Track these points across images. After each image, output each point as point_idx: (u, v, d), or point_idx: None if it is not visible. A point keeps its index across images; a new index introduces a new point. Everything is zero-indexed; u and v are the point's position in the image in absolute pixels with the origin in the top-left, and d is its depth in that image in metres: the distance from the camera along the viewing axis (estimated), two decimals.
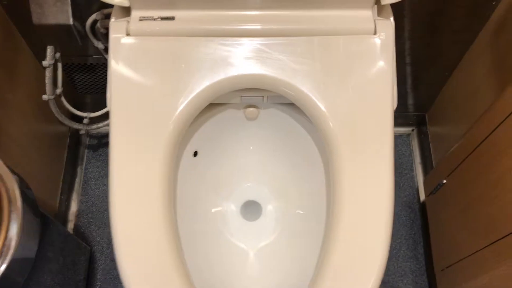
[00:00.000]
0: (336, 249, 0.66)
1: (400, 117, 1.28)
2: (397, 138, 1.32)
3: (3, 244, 0.57)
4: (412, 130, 1.32)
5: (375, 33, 0.73)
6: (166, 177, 0.69)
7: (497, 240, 0.79)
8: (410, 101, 1.23)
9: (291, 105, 0.82)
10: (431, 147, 1.24)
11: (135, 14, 0.74)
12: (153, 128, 0.70)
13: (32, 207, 0.67)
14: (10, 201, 0.59)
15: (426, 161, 1.25)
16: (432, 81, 1.15)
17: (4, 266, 0.58)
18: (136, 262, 0.65)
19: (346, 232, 0.66)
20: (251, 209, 0.92)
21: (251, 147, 0.92)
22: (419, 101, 1.23)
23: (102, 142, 1.29)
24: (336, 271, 0.65)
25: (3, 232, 0.57)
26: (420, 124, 1.30)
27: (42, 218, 0.85)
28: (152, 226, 0.66)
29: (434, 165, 1.21)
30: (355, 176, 0.68)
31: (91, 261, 1.16)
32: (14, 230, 0.58)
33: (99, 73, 1.09)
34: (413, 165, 1.29)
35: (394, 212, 0.69)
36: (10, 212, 0.59)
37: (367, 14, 0.74)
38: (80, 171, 1.26)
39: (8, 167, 0.63)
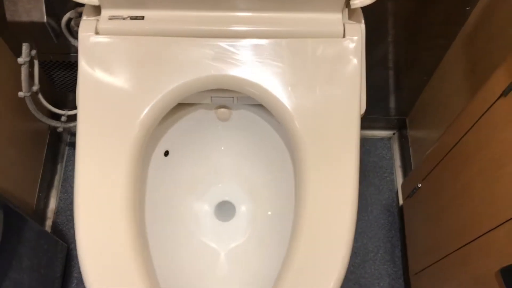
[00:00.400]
0: (298, 250, 0.66)
1: (381, 120, 1.28)
2: (378, 141, 1.32)
3: None
4: (393, 133, 1.33)
5: (344, 36, 0.74)
6: (132, 177, 0.69)
7: (464, 245, 0.79)
8: (391, 104, 1.23)
9: (262, 106, 0.82)
10: (411, 150, 1.24)
11: (105, 13, 0.74)
12: (120, 129, 0.70)
13: None
14: None
15: (406, 164, 1.26)
16: (412, 86, 1.15)
17: None
18: (98, 265, 0.65)
19: (308, 233, 0.67)
20: (224, 209, 0.92)
21: (223, 148, 0.92)
22: (400, 105, 1.23)
23: None
24: (297, 273, 0.65)
25: None
26: (401, 127, 1.30)
27: (12, 215, 0.85)
28: (116, 227, 0.66)
29: (412, 169, 1.22)
30: (320, 177, 0.69)
31: (68, 258, 1.16)
32: None
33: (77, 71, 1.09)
34: (393, 169, 1.29)
35: (358, 212, 0.69)
36: None
37: (336, 17, 0.74)
38: (60, 169, 1.26)
39: None
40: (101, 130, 0.70)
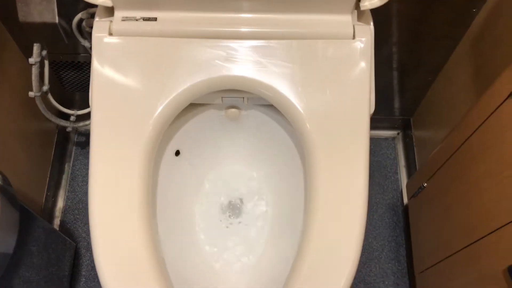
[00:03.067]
0: (309, 249, 0.67)
1: (386, 120, 1.30)
2: (383, 141, 1.33)
3: None
4: (398, 133, 1.34)
5: (353, 37, 0.75)
6: (145, 176, 0.70)
7: (470, 244, 0.80)
8: (396, 105, 1.25)
9: (271, 106, 0.83)
10: (415, 150, 1.25)
11: (118, 14, 0.75)
12: (133, 128, 0.71)
13: (10, 202, 0.68)
14: None
15: (410, 164, 1.27)
16: (417, 86, 1.16)
17: None
18: (114, 263, 0.66)
19: (319, 233, 0.67)
20: (234, 208, 0.93)
21: (233, 147, 0.93)
22: (404, 105, 1.25)
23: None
24: (309, 271, 0.66)
25: None
26: (405, 128, 1.31)
27: (25, 214, 0.86)
28: (130, 226, 0.67)
29: (417, 169, 1.23)
30: (330, 177, 0.70)
31: (76, 257, 1.17)
32: None
33: (87, 71, 1.10)
34: (398, 168, 1.30)
35: (369, 212, 0.70)
36: None
37: (346, 19, 0.75)
38: (67, 168, 1.27)
39: None
40: (114, 129, 0.71)
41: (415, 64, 1.08)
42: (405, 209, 1.24)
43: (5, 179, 0.68)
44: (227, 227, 0.91)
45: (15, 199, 0.70)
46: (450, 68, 1.05)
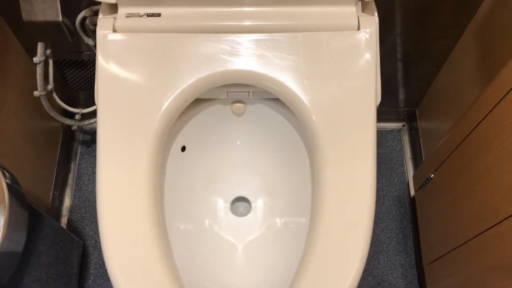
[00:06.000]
0: (318, 244, 0.67)
1: (391, 112, 1.29)
2: (388, 133, 1.33)
3: None
4: (403, 125, 1.33)
5: (358, 29, 0.74)
6: (153, 172, 0.70)
7: (481, 233, 0.80)
8: (401, 96, 1.24)
9: (277, 100, 0.83)
10: (421, 142, 1.25)
11: (122, 11, 0.75)
12: (139, 124, 0.71)
13: (19, 201, 0.68)
14: None
15: (417, 156, 1.26)
16: (422, 77, 1.16)
17: None
18: (123, 259, 0.66)
19: (327, 226, 0.67)
20: (240, 203, 0.93)
21: (239, 142, 0.93)
22: (409, 97, 1.24)
23: (95, 138, 1.30)
24: (317, 265, 0.66)
25: None
26: (410, 119, 1.31)
27: (32, 213, 0.86)
28: (139, 223, 0.67)
29: (424, 160, 1.22)
30: (337, 169, 0.70)
31: (84, 255, 1.17)
32: (0, 222, 0.60)
33: (91, 69, 1.10)
34: (404, 160, 1.30)
35: (376, 205, 0.70)
36: None
37: (350, 10, 0.75)
38: (73, 167, 1.27)
39: None
40: (121, 126, 0.71)
41: (420, 54, 1.07)
42: (412, 201, 1.24)
43: (13, 178, 0.69)
44: (234, 223, 0.91)
45: (24, 198, 0.70)
46: (455, 58, 1.05)
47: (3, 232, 0.59)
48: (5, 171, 0.66)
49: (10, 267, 0.67)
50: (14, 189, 0.66)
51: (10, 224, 0.61)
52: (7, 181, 0.64)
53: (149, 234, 0.67)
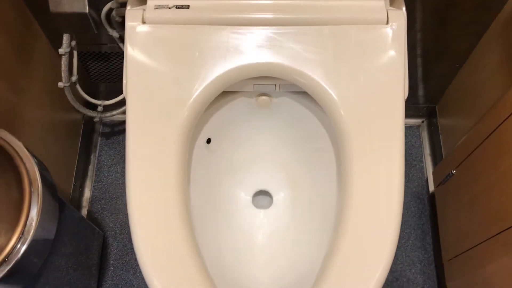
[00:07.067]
0: (345, 240, 0.66)
1: (411, 108, 1.29)
2: (407, 129, 1.32)
3: (24, 224, 0.59)
4: (422, 121, 1.33)
5: (387, 23, 0.74)
6: (181, 163, 0.71)
7: (504, 230, 0.80)
8: (421, 92, 1.24)
9: (303, 93, 0.83)
10: (440, 138, 1.24)
11: (151, 2, 0.75)
12: (168, 114, 0.71)
13: (51, 189, 0.69)
14: (30, 183, 0.61)
15: (436, 152, 1.26)
16: (443, 73, 1.15)
17: (25, 246, 0.60)
18: (153, 250, 0.66)
19: (355, 222, 0.67)
20: (262, 196, 0.93)
21: (263, 135, 0.93)
22: (429, 93, 1.23)
23: (115, 130, 1.31)
24: (343, 263, 0.65)
25: (25, 212, 0.59)
26: (430, 115, 1.30)
27: (59, 202, 0.87)
28: (168, 213, 0.68)
29: (443, 157, 1.22)
30: (366, 165, 0.69)
31: (104, 246, 1.18)
32: (34, 211, 0.60)
33: (113, 62, 1.10)
34: (423, 156, 1.29)
35: (403, 202, 0.70)
36: (31, 193, 0.61)
37: (379, 4, 0.75)
38: (93, 158, 1.28)
39: (28, 150, 0.64)
40: (150, 116, 0.71)
41: (442, 50, 1.07)
42: (431, 197, 1.24)
43: (44, 168, 0.69)
44: (256, 216, 0.91)
45: (55, 188, 0.71)
46: (478, 55, 1.04)
47: (37, 220, 0.60)
48: (36, 159, 0.66)
49: (42, 256, 0.68)
50: (45, 177, 0.67)
51: (43, 213, 0.62)
52: (39, 169, 0.65)
53: (178, 225, 0.67)
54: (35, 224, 0.60)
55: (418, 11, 0.95)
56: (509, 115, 0.79)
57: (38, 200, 0.61)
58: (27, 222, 0.59)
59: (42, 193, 0.62)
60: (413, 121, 1.33)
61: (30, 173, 0.62)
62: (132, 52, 0.73)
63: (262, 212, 0.92)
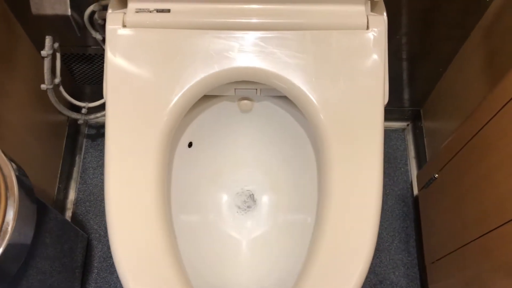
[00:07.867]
0: (323, 242, 0.67)
1: (395, 112, 1.29)
2: (392, 132, 1.33)
3: (0, 229, 0.59)
4: (407, 125, 1.34)
5: (367, 28, 0.74)
6: (160, 167, 0.71)
7: (485, 234, 0.80)
8: (406, 96, 1.24)
9: (284, 98, 0.83)
10: (425, 142, 1.25)
11: (132, 6, 0.75)
12: (148, 119, 0.71)
13: (28, 194, 0.69)
14: (7, 188, 0.61)
15: (420, 155, 1.27)
16: (427, 77, 1.16)
17: (0, 251, 0.59)
18: (130, 252, 0.66)
19: (333, 225, 0.68)
20: (246, 200, 0.93)
21: (245, 139, 0.93)
22: (414, 96, 1.24)
23: (100, 132, 1.31)
24: (322, 265, 0.66)
25: (0, 216, 0.59)
26: (415, 119, 1.31)
27: (39, 206, 0.87)
28: (146, 217, 0.68)
29: (428, 160, 1.23)
30: (344, 169, 0.70)
31: (88, 248, 1.18)
32: (10, 215, 0.60)
33: (97, 64, 1.10)
34: (408, 160, 1.30)
35: (382, 205, 0.70)
36: (6, 198, 0.60)
37: (360, 9, 0.75)
38: (78, 160, 1.28)
39: (5, 154, 0.64)
40: (129, 120, 0.71)
41: (426, 54, 1.07)
42: (415, 200, 1.24)
43: (21, 171, 0.69)
44: (239, 219, 0.92)
45: (32, 191, 0.70)
46: (461, 58, 1.05)
47: (13, 225, 0.60)
48: (14, 164, 0.66)
49: (19, 260, 0.68)
50: (23, 182, 0.66)
51: (19, 217, 0.62)
52: (16, 173, 0.64)
53: (156, 228, 0.67)
54: (11, 229, 0.60)
55: (403, 15, 0.95)
56: (489, 120, 0.80)
57: (14, 205, 0.61)
58: (3, 227, 0.59)
59: (18, 198, 0.61)
60: (398, 125, 1.34)
61: (7, 178, 0.62)
62: (112, 56, 0.73)
63: (244, 214, 0.92)
